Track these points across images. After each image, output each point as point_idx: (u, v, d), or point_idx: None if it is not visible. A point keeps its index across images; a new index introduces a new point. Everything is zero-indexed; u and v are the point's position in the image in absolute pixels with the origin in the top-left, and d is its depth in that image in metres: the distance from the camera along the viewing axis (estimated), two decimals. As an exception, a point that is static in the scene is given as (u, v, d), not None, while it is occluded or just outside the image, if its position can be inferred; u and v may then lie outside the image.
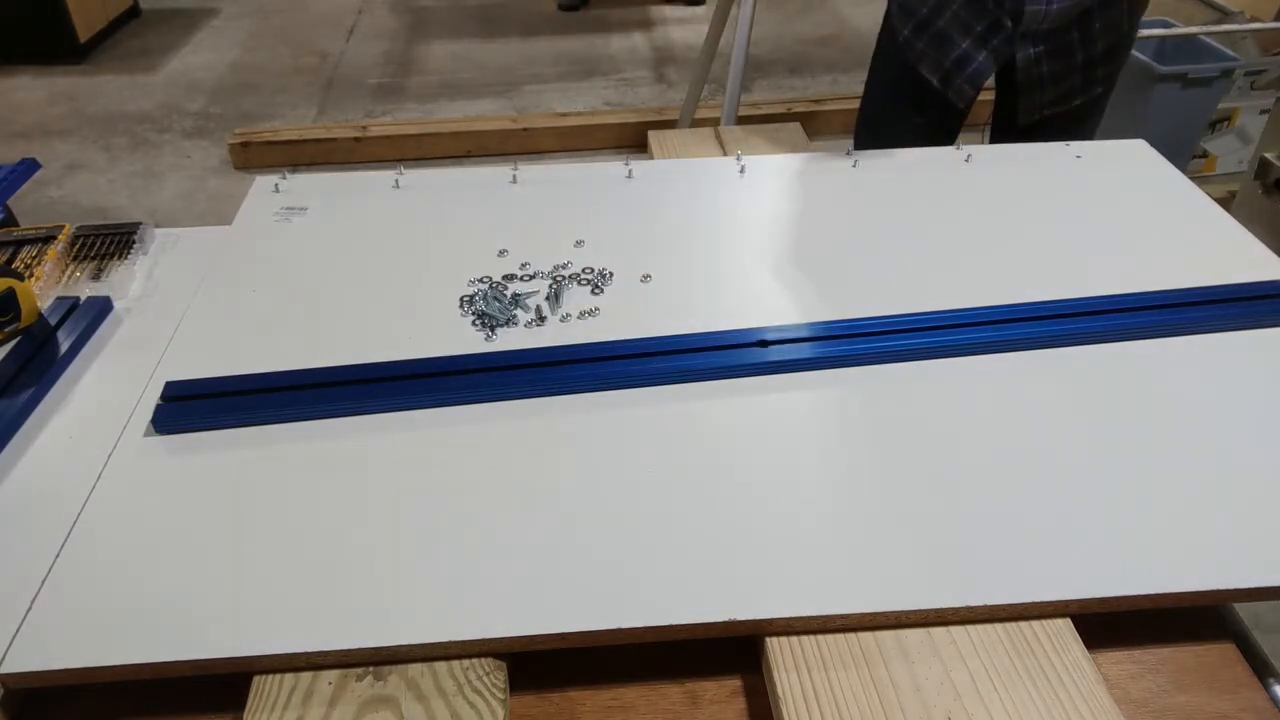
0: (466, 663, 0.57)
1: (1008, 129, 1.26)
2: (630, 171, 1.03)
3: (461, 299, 0.84)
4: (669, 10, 3.71)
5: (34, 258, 0.91)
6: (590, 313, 0.83)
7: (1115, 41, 1.15)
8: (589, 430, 0.71)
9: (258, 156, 2.64)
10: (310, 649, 0.55)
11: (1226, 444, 0.69)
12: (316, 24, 3.60)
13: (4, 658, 0.55)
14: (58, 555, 0.61)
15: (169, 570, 0.60)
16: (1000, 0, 1.11)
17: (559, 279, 0.87)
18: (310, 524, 0.63)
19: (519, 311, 0.83)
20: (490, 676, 0.56)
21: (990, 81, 1.22)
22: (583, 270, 0.88)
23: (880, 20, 1.30)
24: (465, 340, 0.80)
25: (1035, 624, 0.58)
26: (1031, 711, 0.53)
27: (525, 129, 2.71)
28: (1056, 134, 1.14)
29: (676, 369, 0.75)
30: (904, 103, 1.29)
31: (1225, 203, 1.19)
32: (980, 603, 0.58)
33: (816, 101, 2.77)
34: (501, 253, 0.91)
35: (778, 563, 0.60)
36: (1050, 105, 1.20)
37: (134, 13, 3.61)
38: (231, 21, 3.62)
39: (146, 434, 0.71)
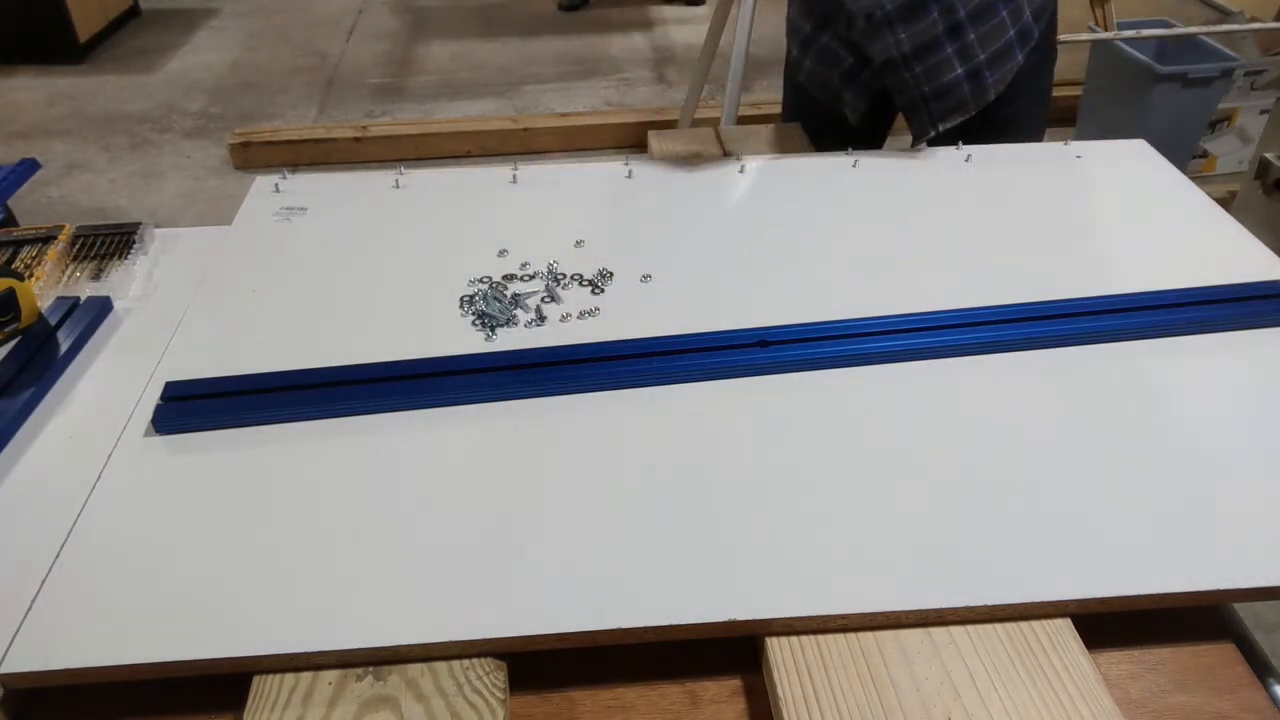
0: (466, 663, 0.57)
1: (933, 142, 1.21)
2: (630, 171, 1.03)
3: (461, 299, 0.84)
4: (669, 10, 3.71)
5: (34, 258, 0.91)
6: (590, 313, 0.83)
7: (1001, 49, 1.08)
8: (589, 430, 0.71)
9: (258, 156, 2.64)
10: (310, 649, 0.55)
11: (1226, 444, 0.69)
12: (316, 24, 3.60)
13: (4, 658, 0.55)
14: (58, 555, 0.61)
15: (169, 570, 0.60)
16: (850, 41, 1.09)
17: (559, 279, 0.87)
18: (310, 524, 0.63)
19: (519, 311, 0.83)
20: (490, 676, 0.56)
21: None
22: (583, 270, 0.88)
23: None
24: (465, 340, 0.80)
25: (1035, 624, 0.58)
26: (1031, 711, 0.53)
27: (525, 129, 2.71)
28: (984, 140, 1.10)
29: (676, 369, 0.75)
30: (808, 119, 1.28)
31: (1225, 203, 1.19)
32: (980, 603, 0.58)
33: (816, 101, 2.77)
34: (501, 253, 0.91)
35: (778, 563, 0.60)
36: (943, 119, 1.13)
37: (134, 13, 3.61)
38: (231, 21, 3.62)
39: (146, 434, 0.71)
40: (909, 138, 1.17)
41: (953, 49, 1.07)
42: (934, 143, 1.16)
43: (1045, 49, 1.15)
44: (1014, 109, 1.16)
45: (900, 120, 1.26)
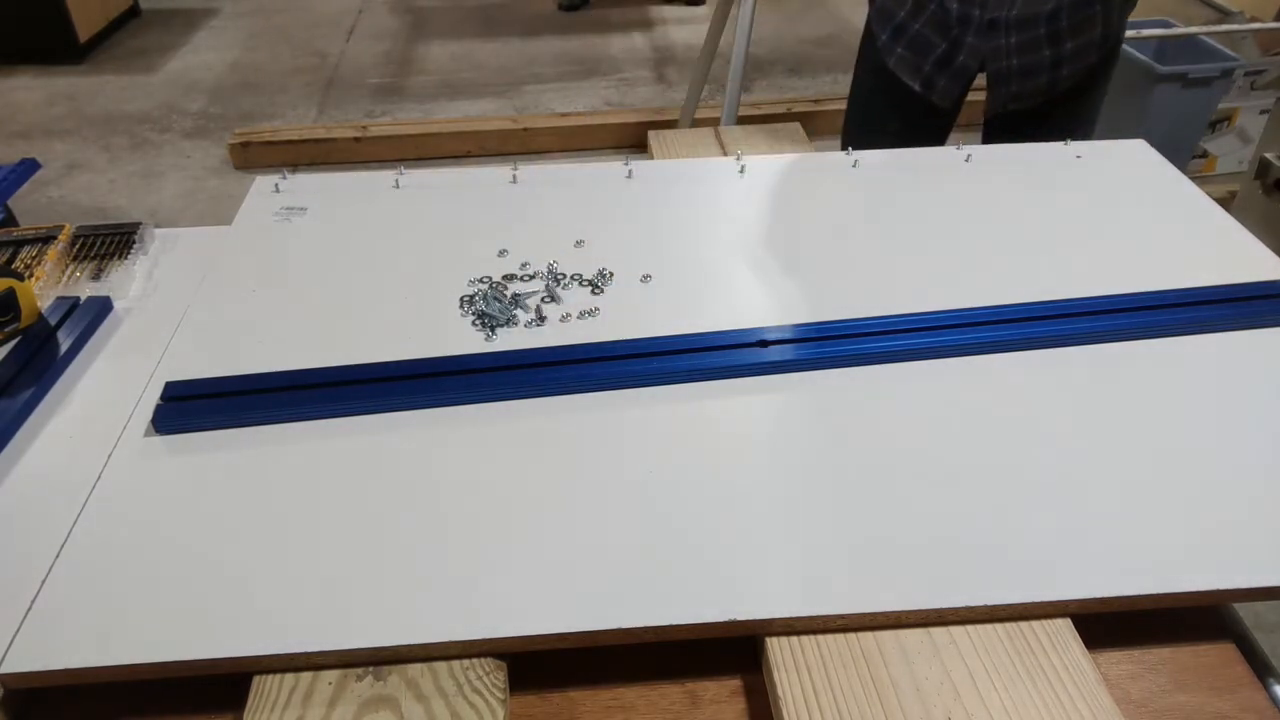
0: (466, 663, 0.57)
1: (991, 125, 1.26)
2: (630, 171, 1.03)
3: (461, 299, 0.84)
4: (669, 10, 3.71)
5: (34, 258, 0.91)
6: (590, 313, 0.83)
7: (1084, 45, 1.14)
8: (589, 430, 0.71)
9: (258, 156, 2.64)
10: (310, 649, 0.55)
11: (1226, 444, 0.69)
12: (316, 24, 3.60)
13: (4, 658, 0.55)
14: (58, 555, 0.61)
15: (169, 570, 0.60)
16: (946, 24, 1.11)
17: (559, 279, 0.87)
18: (310, 524, 0.63)
19: (519, 311, 0.83)
20: (490, 676, 0.56)
21: (980, 80, 1.22)
22: (583, 270, 0.88)
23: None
24: (465, 340, 0.80)
25: (1035, 624, 0.58)
26: (1031, 711, 0.53)
27: (525, 129, 2.71)
28: (1048, 134, 1.14)
29: (676, 369, 0.75)
30: (886, 106, 1.29)
31: (1225, 203, 1.19)
32: (980, 603, 0.58)
33: (816, 101, 2.77)
34: (501, 253, 0.91)
35: (778, 563, 0.60)
36: (1014, 100, 1.19)
37: (134, 13, 3.61)
38: (231, 21, 3.62)
39: (146, 434, 0.71)
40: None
41: (1045, 30, 1.11)
42: (1002, 125, 1.20)
43: (1116, 54, 1.20)
44: (1082, 103, 1.21)
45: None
